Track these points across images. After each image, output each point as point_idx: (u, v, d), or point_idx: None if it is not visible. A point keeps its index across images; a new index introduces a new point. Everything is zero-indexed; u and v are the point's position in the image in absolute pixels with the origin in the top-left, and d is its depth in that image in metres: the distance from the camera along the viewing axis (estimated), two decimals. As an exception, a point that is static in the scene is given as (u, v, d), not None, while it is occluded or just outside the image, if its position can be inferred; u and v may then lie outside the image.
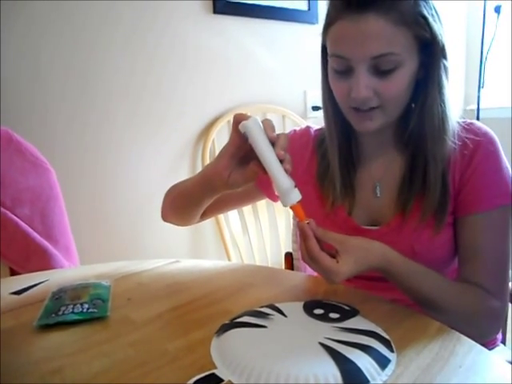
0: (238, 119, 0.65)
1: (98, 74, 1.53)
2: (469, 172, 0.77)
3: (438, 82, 0.74)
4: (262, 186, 0.93)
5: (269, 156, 0.63)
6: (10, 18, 1.35)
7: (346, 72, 0.72)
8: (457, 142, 0.76)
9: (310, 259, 0.65)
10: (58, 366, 0.55)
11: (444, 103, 0.75)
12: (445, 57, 0.73)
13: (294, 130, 0.95)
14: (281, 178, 0.63)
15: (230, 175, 0.69)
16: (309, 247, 0.64)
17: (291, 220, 1.08)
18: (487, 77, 2.38)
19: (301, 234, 0.65)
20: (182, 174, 1.80)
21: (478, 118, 2.36)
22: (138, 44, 1.60)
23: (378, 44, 0.68)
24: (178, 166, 1.78)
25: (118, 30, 1.55)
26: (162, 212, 0.95)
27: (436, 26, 0.71)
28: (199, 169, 1.82)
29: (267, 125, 0.64)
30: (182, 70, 1.72)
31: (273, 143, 0.63)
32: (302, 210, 0.65)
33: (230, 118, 1.83)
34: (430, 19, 0.70)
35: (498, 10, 2.28)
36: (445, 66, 0.74)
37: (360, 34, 0.68)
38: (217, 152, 1.81)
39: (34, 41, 1.40)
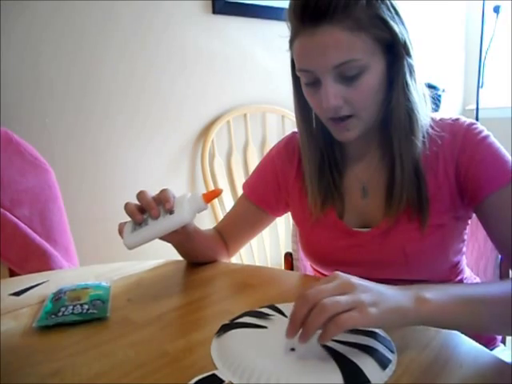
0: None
1: (98, 74, 1.53)
2: (465, 165, 0.75)
3: (402, 80, 0.73)
4: (262, 203, 0.94)
5: (155, 232, 0.72)
6: (10, 19, 1.35)
7: (315, 84, 0.73)
8: (427, 141, 0.76)
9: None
10: (57, 367, 0.55)
11: (410, 102, 0.73)
12: (408, 55, 0.72)
13: (279, 142, 0.96)
14: (175, 221, 0.71)
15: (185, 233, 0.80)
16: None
17: (291, 220, 1.08)
18: (486, 77, 2.39)
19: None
20: (182, 174, 1.80)
21: (477, 118, 2.37)
22: (137, 44, 1.60)
23: (337, 53, 0.68)
24: (178, 166, 1.78)
25: (117, 30, 1.55)
26: None
27: (395, 26, 0.70)
28: (198, 169, 1.82)
29: (131, 213, 0.73)
30: (182, 71, 1.72)
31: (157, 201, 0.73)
32: (211, 192, 0.74)
33: (230, 118, 1.83)
34: (388, 19, 0.69)
35: (496, 10, 2.29)
36: (409, 64, 0.73)
37: (318, 47, 0.68)
38: (216, 152, 1.82)
39: (34, 41, 1.40)
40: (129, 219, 0.74)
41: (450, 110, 2.68)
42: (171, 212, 0.71)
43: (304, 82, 0.75)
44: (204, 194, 0.73)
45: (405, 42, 0.71)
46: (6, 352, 0.59)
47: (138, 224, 0.72)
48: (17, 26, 1.36)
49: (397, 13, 0.71)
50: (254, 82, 1.92)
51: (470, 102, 2.68)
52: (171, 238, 0.77)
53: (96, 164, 1.57)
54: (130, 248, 0.72)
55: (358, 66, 0.69)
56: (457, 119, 0.79)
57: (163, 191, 0.73)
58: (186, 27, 1.71)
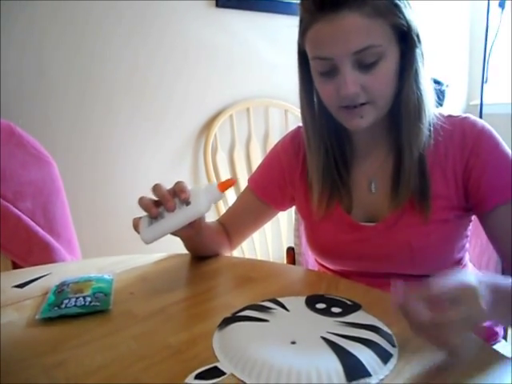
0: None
1: (100, 68, 1.53)
2: (478, 171, 0.76)
3: (414, 68, 0.74)
4: (268, 198, 0.94)
5: (171, 225, 0.70)
6: (12, 11, 1.34)
7: (331, 72, 0.72)
8: (432, 130, 0.77)
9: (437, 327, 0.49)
10: (60, 359, 0.55)
11: (419, 90, 0.75)
12: (420, 42, 0.74)
13: (284, 137, 0.96)
14: (191, 213, 0.70)
15: (199, 228, 0.77)
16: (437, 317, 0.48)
17: (293, 215, 1.08)
18: (491, 72, 2.37)
19: (405, 314, 0.51)
20: (184, 167, 1.80)
21: (481, 114, 2.35)
22: (140, 38, 1.60)
23: (358, 38, 0.68)
24: (180, 160, 1.78)
25: (120, 24, 1.55)
26: None
27: (409, 13, 0.71)
28: (201, 163, 1.82)
29: (144, 207, 0.71)
30: (185, 64, 1.72)
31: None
32: (224, 182, 0.72)
33: (233, 112, 1.83)
34: (402, 6, 0.70)
35: (502, 4, 2.27)
36: (421, 51, 0.74)
37: (338, 32, 0.68)
38: (219, 147, 1.82)
39: (37, 35, 1.40)
40: (143, 214, 0.73)
41: (454, 106, 2.67)
42: (187, 203, 0.69)
43: (318, 71, 0.75)
44: (219, 184, 0.72)
45: (417, 30, 0.73)
46: (9, 343, 0.60)
47: (153, 218, 0.71)
48: (19, 18, 1.36)
49: (408, 2, 0.72)
50: (256, 76, 1.92)
51: (474, 97, 2.67)
52: (184, 232, 0.75)
53: (99, 158, 1.57)
54: (148, 243, 0.70)
55: (377, 53, 0.69)
56: (466, 117, 0.79)
57: (178, 183, 0.71)
58: (189, 21, 1.70)
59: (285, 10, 1.90)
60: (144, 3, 1.58)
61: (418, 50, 0.73)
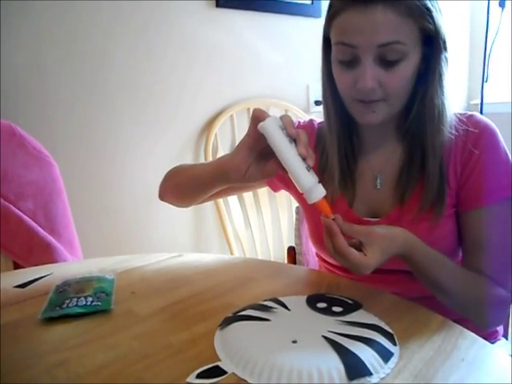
0: (257, 116, 0.64)
1: (100, 67, 1.53)
2: (471, 166, 0.77)
3: (439, 73, 0.75)
4: None
5: (288, 157, 0.62)
6: (16, 13, 1.34)
7: (351, 63, 0.72)
8: (454, 132, 0.77)
9: (339, 255, 0.63)
10: (62, 358, 0.55)
11: (443, 94, 0.76)
12: (446, 49, 0.75)
13: (299, 122, 0.95)
14: (302, 177, 0.62)
15: (248, 169, 0.67)
16: (337, 244, 0.62)
17: (294, 214, 1.08)
18: (491, 71, 2.37)
19: (326, 230, 0.64)
20: (185, 168, 1.80)
21: (481, 113, 2.35)
22: (139, 38, 1.60)
23: (385, 32, 0.68)
24: (181, 161, 1.76)
25: (120, 24, 1.55)
26: (162, 192, 0.93)
27: (439, 19, 0.72)
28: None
29: (287, 122, 0.63)
30: (184, 64, 1.72)
31: (294, 140, 0.62)
32: (328, 205, 0.64)
33: (233, 112, 1.83)
34: (434, 11, 0.71)
35: (502, 4, 2.27)
36: (446, 57, 0.75)
37: (368, 23, 0.68)
38: (219, 146, 1.82)
39: (36, 35, 1.40)
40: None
41: (454, 105, 2.67)
42: (308, 169, 0.62)
43: (338, 59, 0.74)
44: (324, 199, 0.64)
45: (445, 37, 0.74)
46: (11, 343, 0.60)
47: (288, 136, 0.62)
48: (19, 18, 1.36)
49: (439, 7, 0.73)
50: (257, 75, 1.92)
51: (475, 96, 2.67)
52: (264, 169, 0.68)
53: (99, 158, 1.57)
54: (261, 129, 0.62)
55: (400, 51, 0.70)
56: (471, 115, 0.80)
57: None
58: (189, 20, 1.70)
59: (285, 10, 1.90)
60: (144, 3, 1.58)
61: (442, 56, 0.74)
